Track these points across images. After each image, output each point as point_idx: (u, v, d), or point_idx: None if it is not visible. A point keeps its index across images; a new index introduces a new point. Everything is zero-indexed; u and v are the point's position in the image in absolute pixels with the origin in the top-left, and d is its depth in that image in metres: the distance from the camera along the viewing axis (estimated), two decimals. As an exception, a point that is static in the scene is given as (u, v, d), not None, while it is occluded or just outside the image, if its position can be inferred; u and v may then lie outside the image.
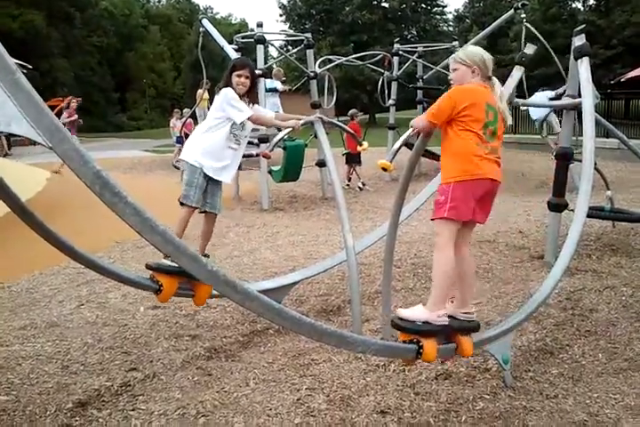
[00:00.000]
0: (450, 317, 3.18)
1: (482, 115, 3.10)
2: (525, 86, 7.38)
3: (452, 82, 3.31)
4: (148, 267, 3.66)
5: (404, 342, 3.12)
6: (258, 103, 4.43)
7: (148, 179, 14.61)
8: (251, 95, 4.30)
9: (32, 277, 6.05)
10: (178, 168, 13.99)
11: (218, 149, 4.09)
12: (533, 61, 5.17)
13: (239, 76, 4.17)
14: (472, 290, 3.41)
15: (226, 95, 4.12)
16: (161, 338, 4.32)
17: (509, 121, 3.25)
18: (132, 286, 3.70)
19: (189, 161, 4.07)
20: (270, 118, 4.54)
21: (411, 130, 3.38)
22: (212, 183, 4.14)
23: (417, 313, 3.13)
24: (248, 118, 4.14)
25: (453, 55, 3.36)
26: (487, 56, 3.23)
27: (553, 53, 8.29)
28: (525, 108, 13.69)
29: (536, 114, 12.67)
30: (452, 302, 3.29)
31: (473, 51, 3.29)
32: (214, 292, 3.74)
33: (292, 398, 3.39)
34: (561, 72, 7.47)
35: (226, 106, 4.11)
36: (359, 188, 12.34)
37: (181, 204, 4.05)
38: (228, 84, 4.19)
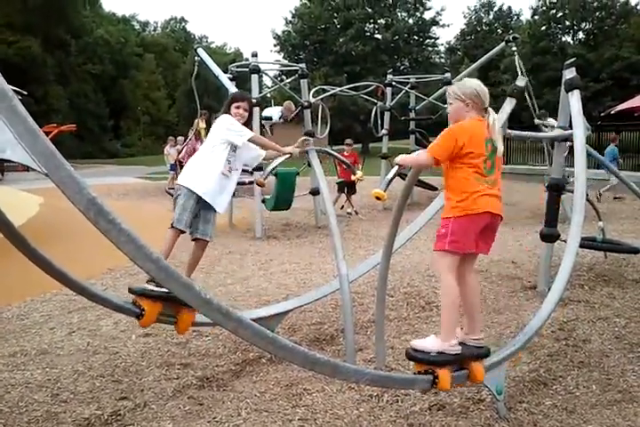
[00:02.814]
0: (460, 344, 3.23)
1: (482, 149, 3.16)
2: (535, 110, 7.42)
3: (449, 116, 3.37)
4: (131, 291, 3.58)
5: (419, 372, 3.16)
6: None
7: (141, 205, 14.59)
8: (246, 126, 4.38)
9: (23, 303, 6.00)
10: (171, 195, 14.00)
11: (213, 174, 4.11)
12: (523, 94, 5.25)
13: (238, 107, 4.33)
14: (480, 316, 3.46)
15: (225, 120, 4.26)
16: (152, 366, 4.28)
17: (500, 149, 3.24)
18: (121, 312, 3.61)
19: (186, 185, 4.08)
20: (269, 141, 4.63)
21: (396, 167, 3.41)
22: (205, 209, 4.12)
23: (430, 344, 3.20)
24: (249, 140, 4.25)
25: (448, 90, 3.38)
26: (481, 89, 3.26)
27: (530, 89, 8.39)
28: None
29: None
30: (462, 328, 3.33)
31: (466, 84, 3.31)
32: (198, 319, 3.72)
33: (284, 428, 3.36)
34: (551, 104, 7.60)
35: (226, 130, 4.22)
36: (348, 213, 12.42)
37: (172, 226, 3.99)
38: (227, 113, 4.34)
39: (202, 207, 4.10)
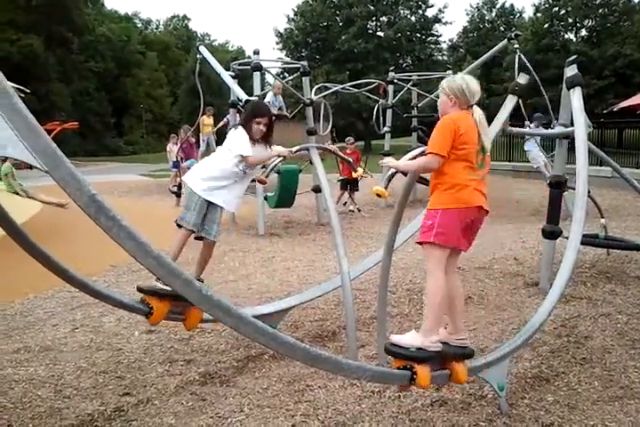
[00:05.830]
0: (443, 343, 3.18)
1: (475, 142, 3.12)
2: (525, 114, 7.48)
3: (439, 109, 3.32)
4: (140, 290, 3.58)
5: (398, 368, 3.11)
6: (272, 144, 4.43)
7: (143, 203, 14.61)
8: (267, 138, 4.36)
9: (26, 300, 6.02)
10: (174, 193, 14.02)
11: (221, 175, 4.10)
12: (527, 91, 5.22)
13: (259, 123, 4.24)
14: (462, 316, 3.40)
15: (236, 135, 4.20)
16: (155, 363, 4.29)
17: (488, 147, 3.21)
18: (124, 308, 3.61)
19: (190, 184, 4.10)
20: (263, 157, 4.47)
21: (392, 171, 3.37)
22: (211, 209, 4.10)
23: (410, 339, 3.14)
24: (244, 159, 4.13)
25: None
26: (468, 86, 3.18)
27: (540, 84, 8.41)
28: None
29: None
30: (446, 328, 3.29)
31: (455, 80, 3.24)
32: (206, 316, 3.71)
33: (286, 424, 3.37)
34: (553, 101, 7.60)
35: (234, 143, 4.17)
36: (351, 210, 12.45)
37: (178, 225, 4.01)
38: (246, 126, 4.25)
39: (208, 206, 4.08)
